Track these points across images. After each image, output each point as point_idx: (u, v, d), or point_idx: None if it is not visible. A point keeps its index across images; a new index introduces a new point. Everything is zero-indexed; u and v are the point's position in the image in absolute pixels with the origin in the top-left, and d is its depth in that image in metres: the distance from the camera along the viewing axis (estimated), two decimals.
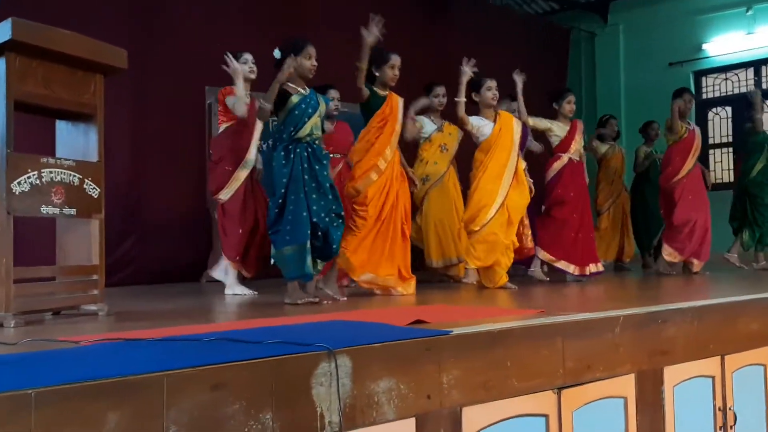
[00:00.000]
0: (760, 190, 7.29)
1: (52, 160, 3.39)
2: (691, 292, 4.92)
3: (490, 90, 5.57)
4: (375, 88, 4.94)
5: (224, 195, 5.12)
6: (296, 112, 4.32)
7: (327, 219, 4.32)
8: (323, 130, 4.59)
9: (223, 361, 2.04)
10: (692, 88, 10.45)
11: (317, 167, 4.33)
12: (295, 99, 4.33)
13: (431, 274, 6.30)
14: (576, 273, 5.96)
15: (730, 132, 10.47)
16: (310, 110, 4.37)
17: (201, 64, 6.40)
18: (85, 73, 3.59)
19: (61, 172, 3.41)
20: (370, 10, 4.61)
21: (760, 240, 7.31)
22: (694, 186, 6.64)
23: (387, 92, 5.00)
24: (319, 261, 4.41)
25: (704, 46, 10.37)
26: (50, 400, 1.72)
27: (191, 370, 1.96)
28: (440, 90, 6.36)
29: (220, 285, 5.22)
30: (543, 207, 6.22)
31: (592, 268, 6.02)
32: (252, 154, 5.21)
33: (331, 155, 5.26)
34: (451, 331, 2.61)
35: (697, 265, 6.57)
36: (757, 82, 10.02)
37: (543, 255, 6.02)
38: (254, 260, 5.21)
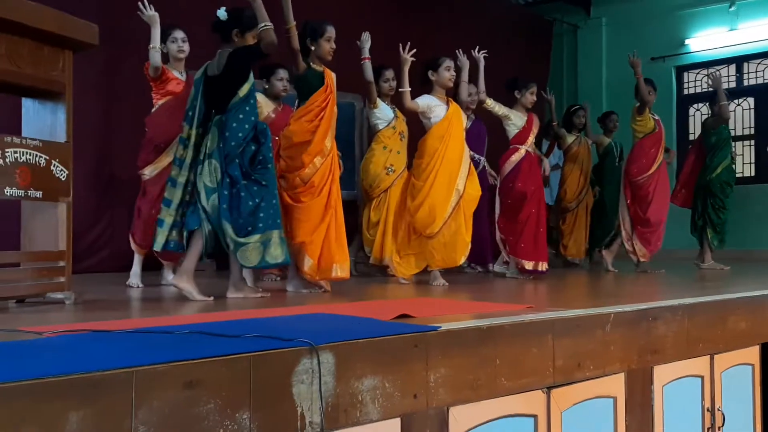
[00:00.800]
0: (721, 191, 6.99)
1: (17, 140, 3.24)
2: (679, 290, 4.83)
3: (449, 70, 5.17)
4: (312, 64, 4.52)
5: (149, 171, 4.91)
6: (253, 101, 4.06)
7: None
8: None
9: (198, 356, 1.91)
10: (674, 83, 10.43)
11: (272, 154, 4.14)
12: (249, 85, 4.04)
13: (369, 269, 6.06)
14: (537, 269, 5.72)
15: None
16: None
17: None
18: (53, 48, 3.43)
19: (27, 153, 3.25)
20: None
21: (722, 240, 7.08)
22: (663, 180, 6.58)
23: (323, 68, 4.58)
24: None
25: (687, 42, 10.33)
26: (3, 398, 1.57)
27: (163, 366, 1.83)
28: (389, 74, 6.08)
29: (198, 274, 5.04)
30: (499, 201, 5.90)
31: (544, 265, 5.75)
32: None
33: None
34: (440, 327, 2.48)
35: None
36: (739, 79, 9.98)
37: (519, 263, 5.72)
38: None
